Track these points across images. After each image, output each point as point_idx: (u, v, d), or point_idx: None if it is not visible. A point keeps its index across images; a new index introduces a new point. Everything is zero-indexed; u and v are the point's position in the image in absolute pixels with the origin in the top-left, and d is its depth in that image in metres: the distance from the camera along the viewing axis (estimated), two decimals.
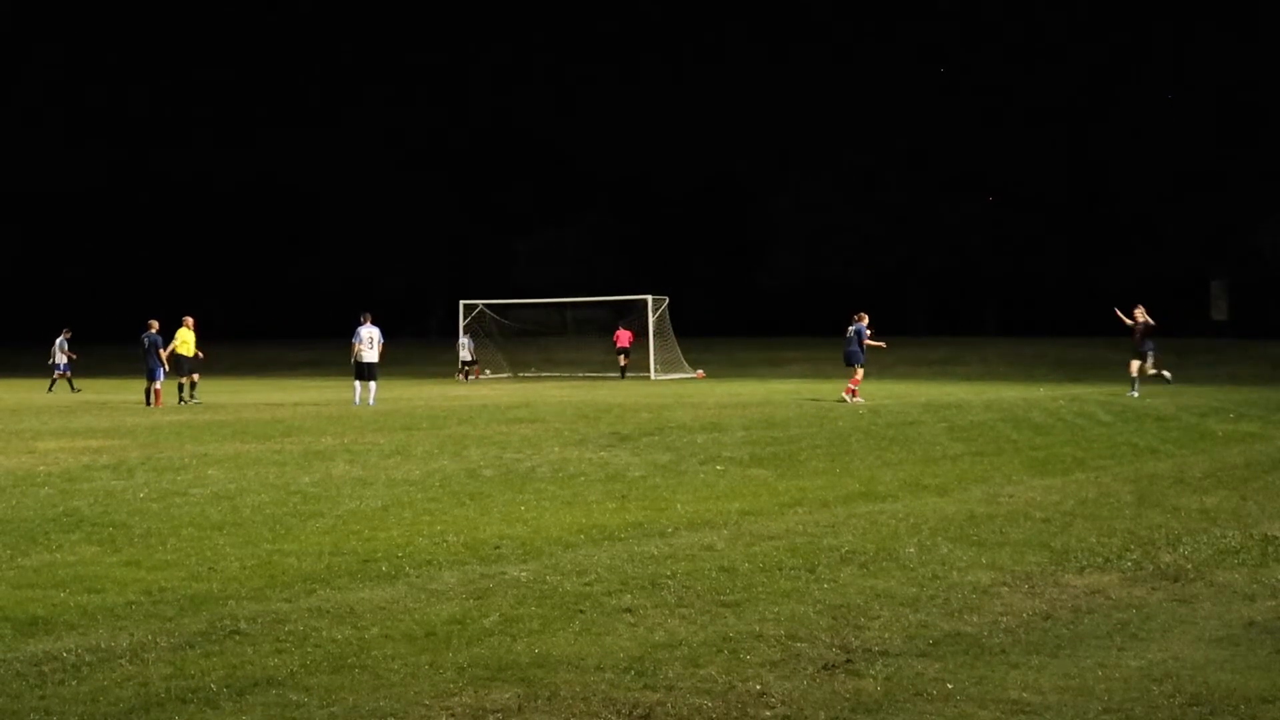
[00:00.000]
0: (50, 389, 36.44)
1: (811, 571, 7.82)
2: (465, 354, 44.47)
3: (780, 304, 72.47)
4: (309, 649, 6.02)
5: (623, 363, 44.33)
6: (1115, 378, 40.77)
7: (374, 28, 79.04)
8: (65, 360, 37.37)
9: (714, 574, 7.76)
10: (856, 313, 27.78)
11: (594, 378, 44.46)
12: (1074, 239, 67.51)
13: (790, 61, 72.46)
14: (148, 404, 27.68)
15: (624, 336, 44.81)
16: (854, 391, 26.79)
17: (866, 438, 17.46)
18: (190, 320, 29.32)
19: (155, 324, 29.09)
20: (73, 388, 36.66)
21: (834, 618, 6.61)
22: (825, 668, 5.70)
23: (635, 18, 76.40)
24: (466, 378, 43.74)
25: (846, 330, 27.57)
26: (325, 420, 22.03)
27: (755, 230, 72.61)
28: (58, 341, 37.71)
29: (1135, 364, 27.61)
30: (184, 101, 79.04)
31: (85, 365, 59.02)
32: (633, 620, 6.58)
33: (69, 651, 5.96)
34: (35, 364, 61.46)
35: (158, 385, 28.14)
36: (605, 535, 9.23)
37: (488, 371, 45.78)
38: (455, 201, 75.37)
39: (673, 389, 35.61)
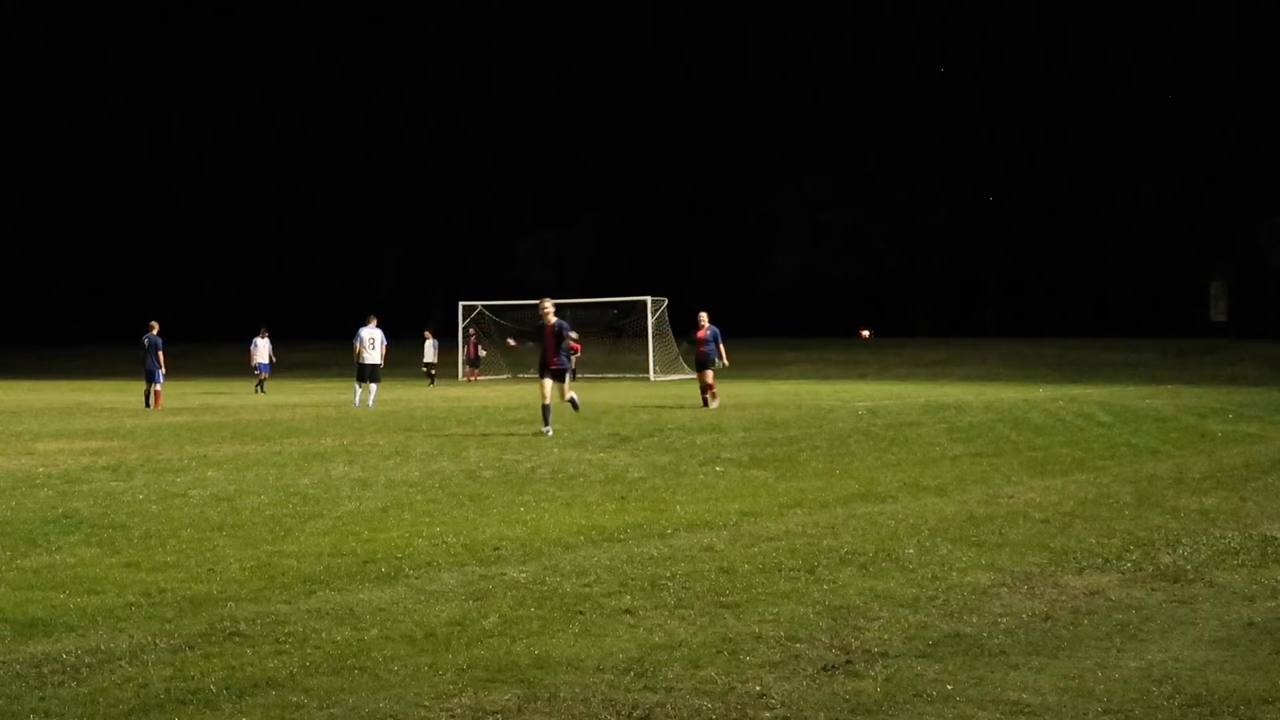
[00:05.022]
0: (264, 391, 35.74)
1: (811, 572, 7.82)
2: (430, 355, 42.99)
3: (780, 304, 72.48)
4: (309, 650, 6.02)
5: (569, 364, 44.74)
6: (1115, 378, 40.82)
7: (373, 28, 79.05)
8: (268, 361, 36.82)
9: (713, 575, 7.76)
10: (703, 313, 26.21)
11: (594, 379, 44.47)
12: (1074, 239, 67.55)
13: (790, 61, 72.50)
14: (147, 405, 27.66)
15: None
16: (714, 394, 25.56)
17: (866, 439, 17.47)
18: None
19: (156, 325, 29.04)
20: (262, 389, 36.09)
21: (833, 619, 6.61)
22: (825, 669, 5.69)
23: (635, 18, 76.43)
24: (433, 382, 42.26)
25: (699, 333, 25.75)
26: (324, 422, 22.04)
27: (755, 230, 72.63)
28: (259, 342, 36.98)
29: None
30: (184, 101, 79.04)
31: (84, 367, 59.09)
32: (632, 621, 6.58)
33: (68, 653, 5.96)
34: (32, 365, 61.50)
35: (157, 387, 28.11)
36: (605, 536, 9.23)
37: (479, 375, 45.21)
38: (455, 202, 75.39)
39: (672, 390, 35.63)
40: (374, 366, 27.28)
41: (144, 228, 79.44)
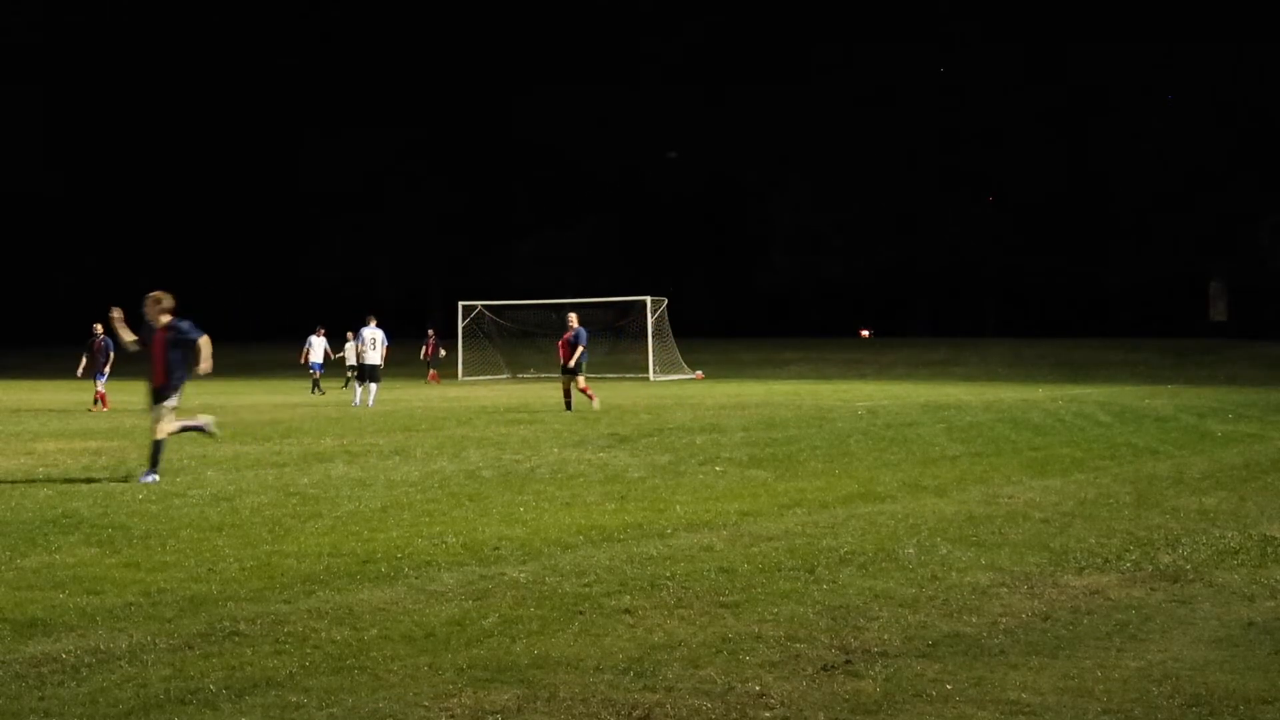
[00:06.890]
0: (323, 392, 34.84)
1: (811, 572, 7.82)
2: (316, 355, 36.57)
3: (780, 304, 72.53)
4: (308, 650, 6.02)
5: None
6: (1115, 378, 40.81)
7: (374, 29, 79.02)
8: (323, 360, 36.11)
9: (713, 575, 7.76)
10: (573, 313, 25.48)
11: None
12: (1074, 239, 67.61)
13: (789, 62, 72.47)
14: (96, 406, 27.04)
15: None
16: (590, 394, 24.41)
17: (865, 439, 17.47)
18: None
19: (101, 327, 27.88)
20: (321, 390, 35.03)
21: (833, 618, 6.61)
22: (824, 669, 5.69)
23: (633, 19, 76.40)
24: (317, 387, 35.81)
25: (565, 334, 24.64)
26: (324, 422, 22.04)
27: (755, 230, 72.67)
28: (314, 340, 36.07)
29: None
30: (184, 101, 79.00)
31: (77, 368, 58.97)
32: (632, 621, 6.58)
33: (68, 653, 5.96)
34: (32, 365, 61.45)
35: (101, 389, 27.36)
36: (604, 536, 9.23)
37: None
38: (455, 203, 75.39)
39: (672, 390, 35.64)
40: (374, 366, 27.30)
41: (143, 227, 79.35)
